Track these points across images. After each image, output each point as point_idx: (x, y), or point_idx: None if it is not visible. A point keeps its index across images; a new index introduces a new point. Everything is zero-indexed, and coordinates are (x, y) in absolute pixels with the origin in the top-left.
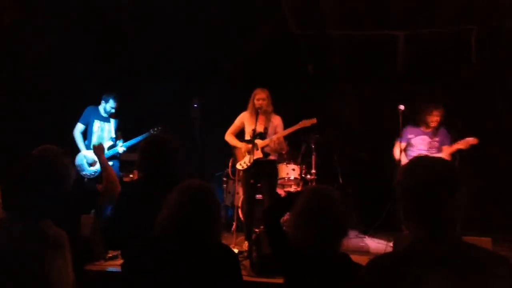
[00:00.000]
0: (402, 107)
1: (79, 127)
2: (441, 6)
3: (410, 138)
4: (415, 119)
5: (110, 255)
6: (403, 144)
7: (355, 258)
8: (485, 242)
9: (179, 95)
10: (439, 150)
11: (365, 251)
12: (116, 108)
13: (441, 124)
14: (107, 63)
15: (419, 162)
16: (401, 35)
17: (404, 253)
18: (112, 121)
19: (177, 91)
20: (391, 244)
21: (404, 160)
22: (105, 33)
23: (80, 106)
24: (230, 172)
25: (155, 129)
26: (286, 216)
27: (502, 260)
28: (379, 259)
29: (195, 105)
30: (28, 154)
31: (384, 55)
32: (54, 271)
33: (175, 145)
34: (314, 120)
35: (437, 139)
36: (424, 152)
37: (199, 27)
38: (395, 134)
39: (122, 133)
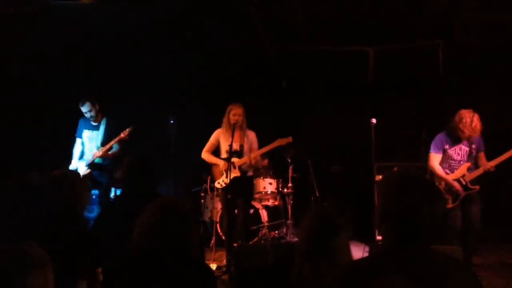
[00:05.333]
0: (374, 120)
1: (77, 142)
2: (409, 21)
3: (446, 149)
4: (448, 127)
5: None
6: (439, 156)
7: None
8: (456, 251)
9: (155, 111)
10: (478, 159)
11: None
12: (91, 110)
13: None
14: (83, 79)
15: (398, 174)
16: (370, 50)
17: (373, 260)
18: (102, 127)
19: (153, 108)
20: (367, 254)
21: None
22: (83, 48)
23: (57, 123)
24: (208, 189)
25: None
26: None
27: (463, 266)
28: (351, 265)
29: (171, 121)
30: (9, 177)
31: (355, 70)
32: None
33: (154, 165)
34: (289, 139)
35: (474, 146)
36: (465, 163)
37: (174, 44)
38: (369, 147)
39: (114, 133)
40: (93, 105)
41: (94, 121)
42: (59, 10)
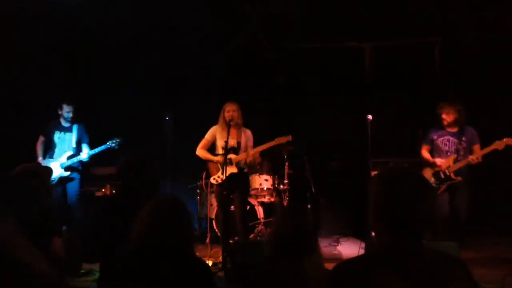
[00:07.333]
0: (370, 117)
1: (41, 139)
2: (406, 18)
3: (434, 140)
4: (437, 120)
5: (83, 270)
6: (428, 147)
7: (329, 266)
8: (452, 246)
9: (152, 108)
10: (468, 151)
11: (338, 259)
12: (72, 111)
13: (462, 122)
14: (79, 76)
15: (392, 170)
16: (367, 47)
17: (368, 258)
18: (74, 130)
19: (150, 104)
20: (363, 251)
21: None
22: (78, 47)
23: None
24: (203, 185)
25: (114, 140)
26: (260, 227)
27: (459, 263)
28: (345, 264)
29: (167, 118)
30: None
31: (352, 67)
32: None
33: (151, 164)
34: (289, 138)
35: (464, 138)
36: (452, 155)
37: (171, 40)
38: (365, 143)
39: (88, 140)
40: (74, 108)
41: (70, 123)
42: (55, 7)
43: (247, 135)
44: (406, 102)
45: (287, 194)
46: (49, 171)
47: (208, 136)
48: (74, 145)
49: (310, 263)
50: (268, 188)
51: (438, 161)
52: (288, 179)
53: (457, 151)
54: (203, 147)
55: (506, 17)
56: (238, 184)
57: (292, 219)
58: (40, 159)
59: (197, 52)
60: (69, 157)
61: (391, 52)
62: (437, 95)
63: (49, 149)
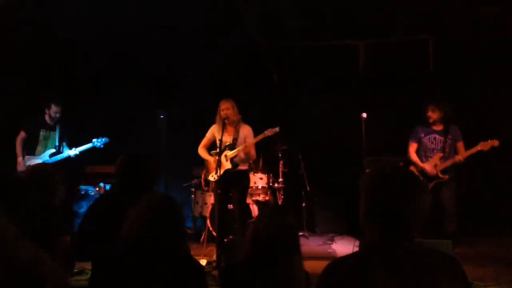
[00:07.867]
0: (364, 115)
1: (21, 135)
2: (400, 16)
3: (421, 137)
4: (424, 118)
5: (76, 269)
6: (415, 144)
7: (324, 264)
8: (446, 244)
9: (145, 106)
10: (454, 149)
11: (333, 257)
12: (60, 112)
13: (447, 120)
14: (77, 74)
15: (382, 167)
16: (361, 45)
17: (362, 255)
18: (58, 128)
19: (144, 103)
20: (357, 248)
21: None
22: (76, 46)
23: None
24: (203, 183)
25: (99, 139)
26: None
27: (452, 261)
28: (337, 262)
29: (162, 116)
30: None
31: (346, 64)
32: None
33: (151, 162)
34: (277, 129)
35: (450, 136)
36: (438, 153)
37: (165, 38)
38: (359, 141)
39: (68, 140)
40: (61, 108)
41: (56, 122)
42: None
43: (245, 131)
44: (402, 100)
45: (281, 192)
46: (62, 174)
47: (208, 134)
48: (57, 143)
49: (289, 264)
50: (263, 187)
51: (427, 166)
52: (282, 177)
53: (443, 149)
54: (204, 146)
55: (504, 15)
56: (237, 182)
57: (271, 220)
58: (20, 159)
59: (191, 50)
60: (51, 155)
61: (385, 50)
62: (435, 93)
63: (31, 146)
